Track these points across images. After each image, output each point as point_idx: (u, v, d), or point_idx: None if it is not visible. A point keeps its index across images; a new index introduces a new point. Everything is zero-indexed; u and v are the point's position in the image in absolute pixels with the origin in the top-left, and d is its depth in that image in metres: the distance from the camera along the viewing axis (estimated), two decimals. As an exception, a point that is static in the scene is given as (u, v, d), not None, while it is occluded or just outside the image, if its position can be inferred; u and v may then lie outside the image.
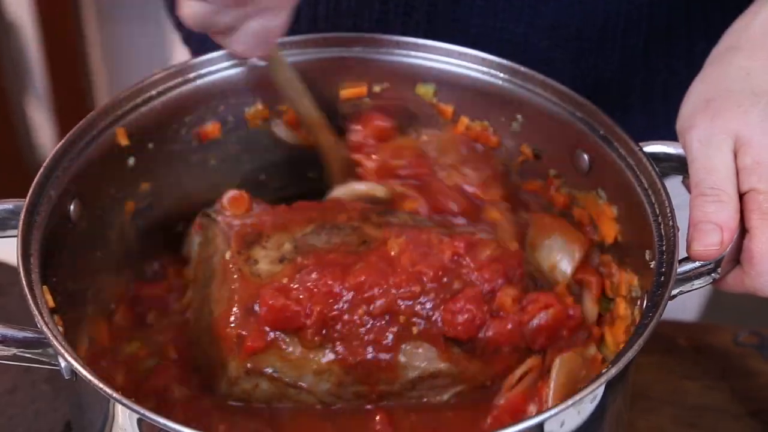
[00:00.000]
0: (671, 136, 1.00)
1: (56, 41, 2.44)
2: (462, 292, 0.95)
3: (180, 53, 2.44)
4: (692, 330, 1.25)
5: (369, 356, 0.94)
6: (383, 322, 0.94)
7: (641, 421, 1.15)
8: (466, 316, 0.94)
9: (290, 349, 0.94)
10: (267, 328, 0.93)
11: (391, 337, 0.94)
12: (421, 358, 0.95)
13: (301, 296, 0.93)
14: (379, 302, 0.94)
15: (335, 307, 0.93)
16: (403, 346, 0.95)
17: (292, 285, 0.94)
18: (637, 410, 1.14)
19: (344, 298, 0.93)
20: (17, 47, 2.52)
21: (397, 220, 1.02)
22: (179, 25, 1.34)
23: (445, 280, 0.95)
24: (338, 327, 0.93)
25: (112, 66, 2.56)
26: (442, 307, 0.94)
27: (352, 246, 0.98)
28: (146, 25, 2.47)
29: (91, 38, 2.50)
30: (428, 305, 0.94)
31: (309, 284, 0.94)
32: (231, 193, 1.04)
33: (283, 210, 1.03)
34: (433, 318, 0.94)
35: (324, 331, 0.93)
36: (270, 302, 0.93)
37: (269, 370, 0.94)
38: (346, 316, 0.93)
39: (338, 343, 0.94)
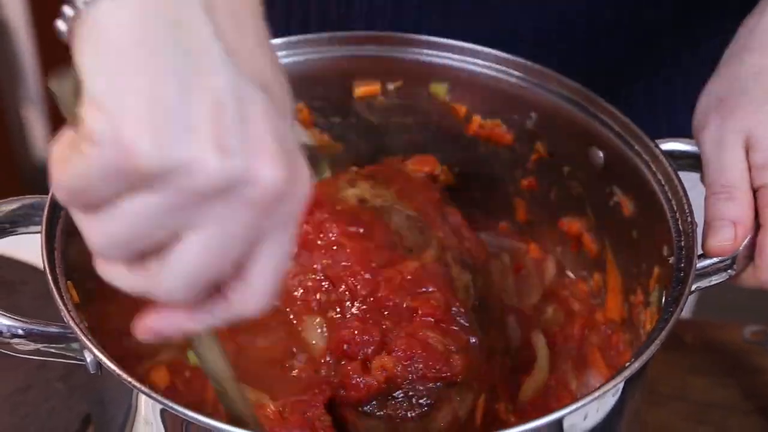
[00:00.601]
0: (679, 129, 1.01)
1: (50, 42, 2.43)
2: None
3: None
4: (700, 326, 1.26)
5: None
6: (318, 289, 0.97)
7: (649, 417, 1.16)
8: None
9: None
10: None
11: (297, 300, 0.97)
12: (312, 332, 0.97)
13: (313, 221, 0.99)
14: (328, 276, 0.97)
15: (316, 244, 0.98)
16: (307, 318, 0.97)
17: (324, 209, 1.00)
18: (645, 405, 1.14)
19: (320, 261, 0.98)
20: (10, 48, 2.52)
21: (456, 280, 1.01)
22: None
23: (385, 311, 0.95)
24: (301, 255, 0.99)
25: (106, 67, 2.56)
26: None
27: (403, 244, 1.00)
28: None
29: (85, 39, 2.49)
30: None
31: (326, 221, 0.99)
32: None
33: (427, 190, 1.07)
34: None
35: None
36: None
37: None
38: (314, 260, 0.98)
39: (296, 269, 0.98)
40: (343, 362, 0.93)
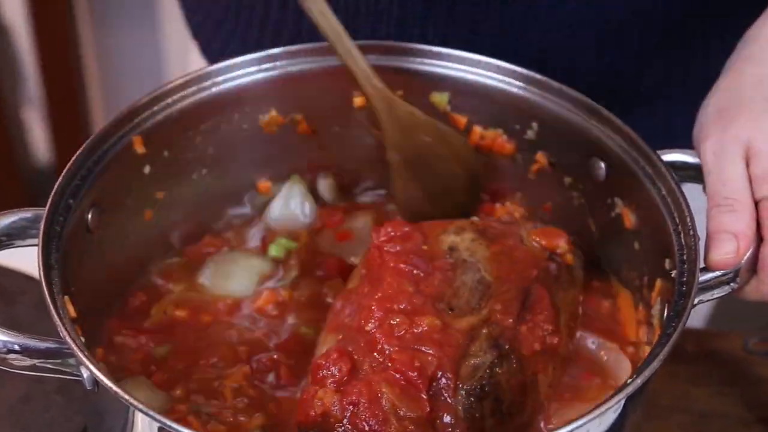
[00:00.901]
0: (681, 140, 1.01)
1: (50, 45, 2.43)
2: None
3: (174, 58, 2.44)
4: (701, 336, 1.25)
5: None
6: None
7: (649, 428, 1.15)
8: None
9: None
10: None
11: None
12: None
13: (383, 250, 0.98)
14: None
15: (372, 271, 0.98)
16: (326, 335, 0.97)
17: (409, 242, 0.99)
18: (645, 417, 1.14)
19: (364, 287, 0.97)
20: (11, 51, 2.51)
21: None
22: (196, 35, 1.33)
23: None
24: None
25: (106, 70, 2.56)
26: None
27: (449, 301, 0.95)
28: (140, 30, 2.47)
29: (85, 42, 2.49)
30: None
31: (394, 253, 0.98)
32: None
33: (529, 264, 1.00)
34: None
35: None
36: (403, 227, 1.00)
37: None
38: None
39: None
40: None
